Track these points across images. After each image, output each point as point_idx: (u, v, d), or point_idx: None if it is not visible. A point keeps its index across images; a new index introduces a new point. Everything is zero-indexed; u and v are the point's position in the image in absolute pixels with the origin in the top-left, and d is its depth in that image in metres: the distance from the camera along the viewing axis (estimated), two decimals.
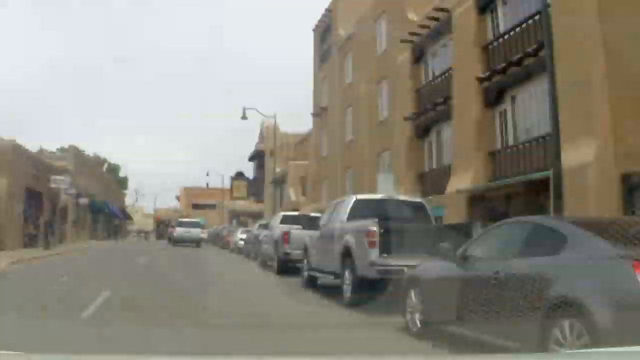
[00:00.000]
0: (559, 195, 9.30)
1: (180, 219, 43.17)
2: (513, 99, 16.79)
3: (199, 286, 12.47)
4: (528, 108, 16.05)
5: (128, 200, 79.18)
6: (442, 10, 19.92)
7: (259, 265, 20.38)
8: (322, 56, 37.39)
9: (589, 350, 3.60)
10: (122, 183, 75.68)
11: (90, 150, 63.19)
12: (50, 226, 28.29)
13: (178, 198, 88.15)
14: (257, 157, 55.83)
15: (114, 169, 74.30)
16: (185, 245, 34.91)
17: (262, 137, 53.04)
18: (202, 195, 76.85)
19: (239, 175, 61.65)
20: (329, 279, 11.72)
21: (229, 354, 5.98)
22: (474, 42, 17.78)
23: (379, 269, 9.37)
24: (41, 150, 36.78)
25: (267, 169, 47.41)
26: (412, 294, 7.50)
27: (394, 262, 9.31)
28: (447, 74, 20.08)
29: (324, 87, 36.33)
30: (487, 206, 16.49)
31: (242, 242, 27.63)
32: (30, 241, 27.37)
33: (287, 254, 15.79)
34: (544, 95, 11.67)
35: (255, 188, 56.94)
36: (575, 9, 12.65)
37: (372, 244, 9.44)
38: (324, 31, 36.98)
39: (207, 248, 37.18)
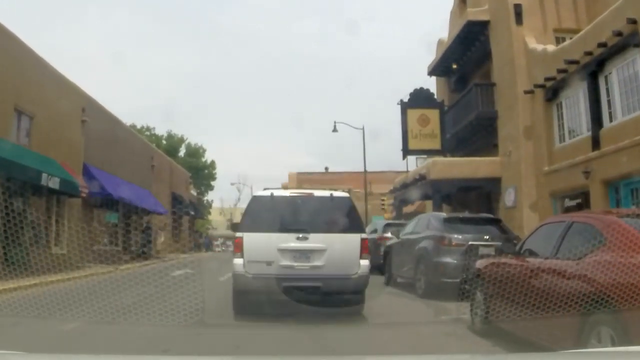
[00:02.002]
0: None
1: None
2: None
3: None
4: None
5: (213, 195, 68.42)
6: None
7: None
8: None
9: (589, 350, 3.76)
10: (207, 170, 63.20)
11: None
12: None
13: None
14: None
15: (194, 152, 62.36)
16: None
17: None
18: (324, 181, 55.77)
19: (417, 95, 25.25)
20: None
21: (229, 354, 6.04)
22: None
23: None
24: None
25: None
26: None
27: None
28: None
29: None
30: None
31: None
32: None
33: None
34: None
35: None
36: None
37: None
38: None
39: None
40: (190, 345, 6.66)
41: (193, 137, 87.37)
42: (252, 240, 8.86)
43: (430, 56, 30.06)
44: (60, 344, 6.76)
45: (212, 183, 66.18)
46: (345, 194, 9.76)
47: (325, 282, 8.66)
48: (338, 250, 8.82)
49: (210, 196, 69.02)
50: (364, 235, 9.05)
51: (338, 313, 9.05)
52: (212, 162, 65.19)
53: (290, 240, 8.78)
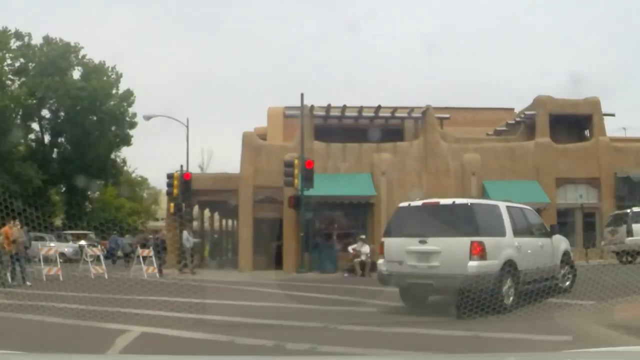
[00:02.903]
0: None
1: None
2: None
3: None
4: None
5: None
6: None
7: None
8: None
9: (589, 350, 3.64)
10: (115, 103, 43.15)
11: None
12: None
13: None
14: None
15: (94, 71, 41.83)
16: None
17: None
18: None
19: None
20: None
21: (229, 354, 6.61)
22: None
23: None
24: None
25: None
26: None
27: None
28: None
29: None
30: None
31: None
32: None
33: None
34: None
35: None
36: None
37: None
38: None
39: None
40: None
41: None
42: (389, 244, 11.46)
43: None
44: None
45: (131, 132, 44.07)
46: (467, 201, 11.57)
47: (437, 280, 10.54)
48: (450, 252, 10.47)
49: (126, 153, 50.58)
50: (475, 239, 10.34)
51: None
52: (129, 93, 43.26)
53: (414, 244, 10.90)
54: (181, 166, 27.78)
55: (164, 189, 28.59)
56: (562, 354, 3.69)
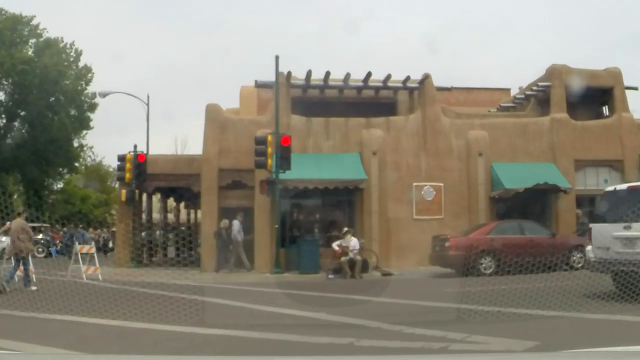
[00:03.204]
0: None
1: None
2: None
3: None
4: None
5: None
6: None
7: None
8: None
9: (589, 350, 3.61)
10: (71, 82, 38.95)
11: None
12: None
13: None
14: None
15: (47, 46, 37.84)
16: None
17: None
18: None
19: None
20: None
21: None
22: None
23: None
24: None
25: None
26: None
27: None
28: None
29: None
30: None
31: None
32: None
33: None
34: None
35: None
36: None
37: None
38: None
39: None
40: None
41: None
42: (597, 230, 11.73)
43: None
44: None
45: (91, 115, 39.75)
46: None
47: None
48: None
49: (91, 140, 47.10)
50: None
51: None
52: (87, 70, 38.84)
53: (619, 229, 11.10)
54: (135, 146, 23.49)
55: None
56: (562, 354, 3.59)
